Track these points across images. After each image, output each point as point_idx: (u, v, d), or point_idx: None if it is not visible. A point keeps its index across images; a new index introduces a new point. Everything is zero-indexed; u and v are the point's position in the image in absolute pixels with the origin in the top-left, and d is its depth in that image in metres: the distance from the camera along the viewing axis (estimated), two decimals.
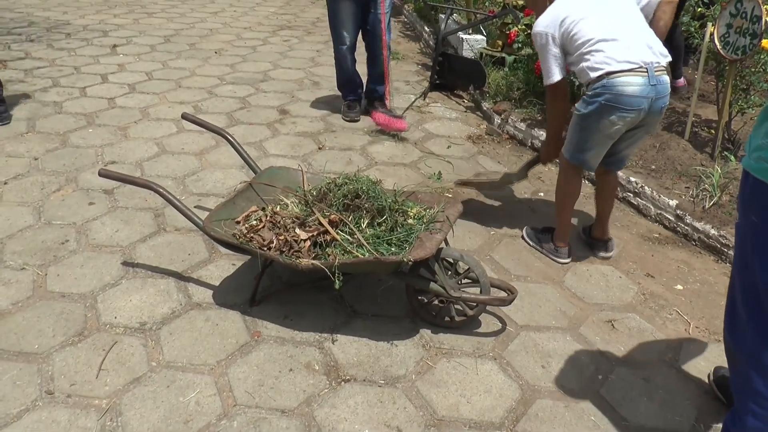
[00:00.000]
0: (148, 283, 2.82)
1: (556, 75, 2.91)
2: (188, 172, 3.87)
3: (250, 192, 2.81)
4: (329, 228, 2.48)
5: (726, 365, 2.43)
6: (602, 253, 3.24)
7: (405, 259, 2.31)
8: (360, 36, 4.77)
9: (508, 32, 5.57)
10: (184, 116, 3.11)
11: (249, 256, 2.84)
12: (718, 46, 3.63)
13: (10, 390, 2.22)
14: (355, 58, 4.81)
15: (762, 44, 3.49)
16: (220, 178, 3.81)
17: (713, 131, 4.23)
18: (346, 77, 4.91)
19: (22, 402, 2.18)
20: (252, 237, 2.48)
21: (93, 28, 7.13)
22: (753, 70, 3.83)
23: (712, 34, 3.74)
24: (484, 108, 5.13)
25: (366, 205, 2.52)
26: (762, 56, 3.75)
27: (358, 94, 5.04)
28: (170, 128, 4.49)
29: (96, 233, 3.18)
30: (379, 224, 2.51)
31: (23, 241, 3.09)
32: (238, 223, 2.63)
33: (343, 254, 2.40)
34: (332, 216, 2.48)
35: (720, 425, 2.22)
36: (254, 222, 2.61)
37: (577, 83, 4.14)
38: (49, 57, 5.99)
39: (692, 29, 4.14)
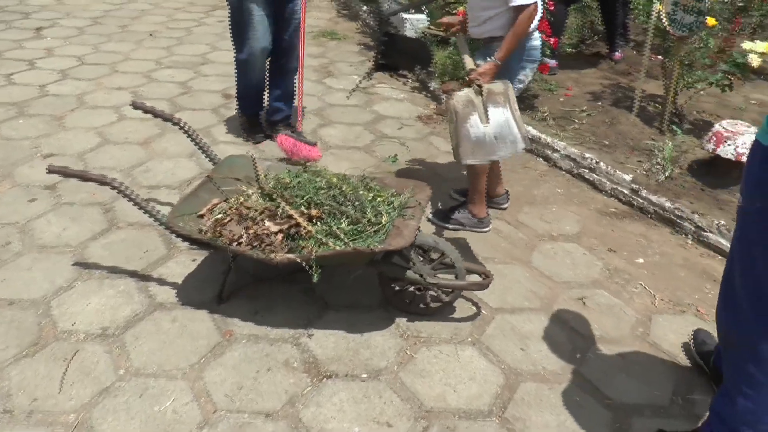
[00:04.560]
0: (105, 284, 2.65)
1: None
2: (135, 162, 3.65)
3: (212, 184, 2.67)
4: (300, 220, 2.39)
5: (700, 331, 2.51)
6: (504, 205, 3.44)
7: (386, 249, 2.24)
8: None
9: (454, 12, 5.52)
10: (135, 104, 2.91)
11: (210, 250, 2.71)
12: (666, 24, 3.70)
13: None
14: (265, 67, 3.95)
15: (708, 21, 3.57)
16: (169, 168, 3.62)
17: (659, 105, 4.34)
18: (252, 87, 4.00)
19: None
20: (221, 232, 2.35)
21: (12, 9, 6.62)
22: (696, 46, 3.93)
23: (659, 12, 3.81)
24: (432, 88, 5.08)
25: (349, 211, 2.43)
26: (704, 33, 3.85)
27: (261, 108, 4.20)
28: (110, 116, 4.23)
29: (41, 233, 2.96)
30: (356, 221, 2.43)
31: None
32: (201, 217, 2.50)
33: (318, 246, 2.32)
34: (313, 212, 2.38)
35: (695, 397, 2.29)
36: (219, 215, 2.48)
37: None
38: None
39: (639, 6, 4.21)
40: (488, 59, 2.88)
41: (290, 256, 2.26)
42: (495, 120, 2.74)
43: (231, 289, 2.63)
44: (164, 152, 3.80)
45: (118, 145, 3.85)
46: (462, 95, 2.85)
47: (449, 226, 3.25)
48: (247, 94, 4.05)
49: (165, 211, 2.51)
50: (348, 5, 7.90)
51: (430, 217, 3.30)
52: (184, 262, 2.81)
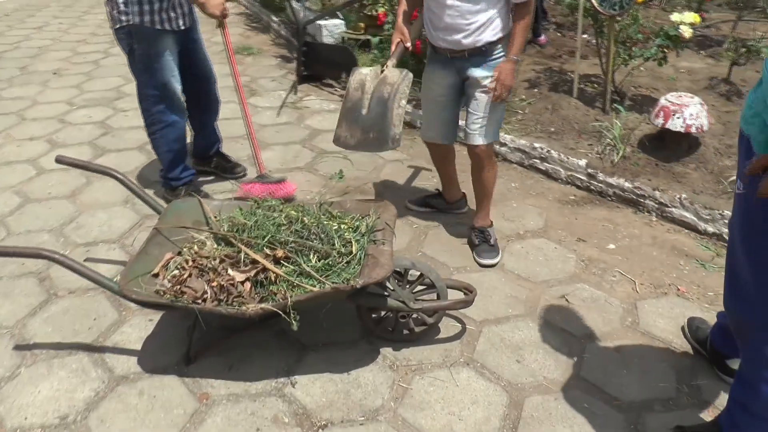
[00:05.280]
0: (54, 365, 2.36)
1: None
2: (65, 220, 3.32)
3: (161, 236, 2.43)
4: (266, 263, 2.18)
5: (695, 316, 2.48)
6: (464, 209, 3.34)
7: (367, 283, 2.08)
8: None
9: (373, 14, 5.39)
10: (59, 160, 2.60)
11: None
12: (595, 4, 3.67)
13: None
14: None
15: None
16: (104, 220, 3.31)
17: (597, 86, 4.34)
18: (180, 148, 3.39)
19: None
20: (182, 291, 2.12)
21: None
22: (627, 23, 3.94)
23: None
24: None
25: (316, 245, 2.24)
26: (632, 10, 3.86)
27: (192, 175, 3.55)
28: (27, 171, 3.85)
29: None
30: (326, 255, 2.24)
31: None
32: (156, 276, 2.25)
33: (291, 289, 2.13)
34: (279, 252, 2.18)
35: (700, 382, 2.24)
36: (176, 271, 2.24)
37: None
38: None
39: None
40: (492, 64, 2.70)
41: (264, 306, 2.06)
42: (374, 111, 2.60)
43: (198, 346, 2.40)
44: (95, 203, 3.49)
45: (42, 202, 3.51)
46: (361, 73, 2.70)
47: (499, 257, 2.96)
48: (177, 150, 3.39)
49: (108, 270, 2.26)
50: (257, 17, 7.66)
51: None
52: (140, 324, 2.55)
